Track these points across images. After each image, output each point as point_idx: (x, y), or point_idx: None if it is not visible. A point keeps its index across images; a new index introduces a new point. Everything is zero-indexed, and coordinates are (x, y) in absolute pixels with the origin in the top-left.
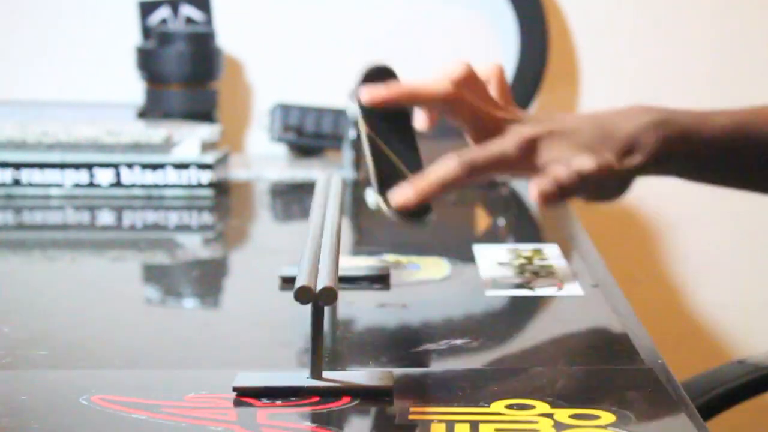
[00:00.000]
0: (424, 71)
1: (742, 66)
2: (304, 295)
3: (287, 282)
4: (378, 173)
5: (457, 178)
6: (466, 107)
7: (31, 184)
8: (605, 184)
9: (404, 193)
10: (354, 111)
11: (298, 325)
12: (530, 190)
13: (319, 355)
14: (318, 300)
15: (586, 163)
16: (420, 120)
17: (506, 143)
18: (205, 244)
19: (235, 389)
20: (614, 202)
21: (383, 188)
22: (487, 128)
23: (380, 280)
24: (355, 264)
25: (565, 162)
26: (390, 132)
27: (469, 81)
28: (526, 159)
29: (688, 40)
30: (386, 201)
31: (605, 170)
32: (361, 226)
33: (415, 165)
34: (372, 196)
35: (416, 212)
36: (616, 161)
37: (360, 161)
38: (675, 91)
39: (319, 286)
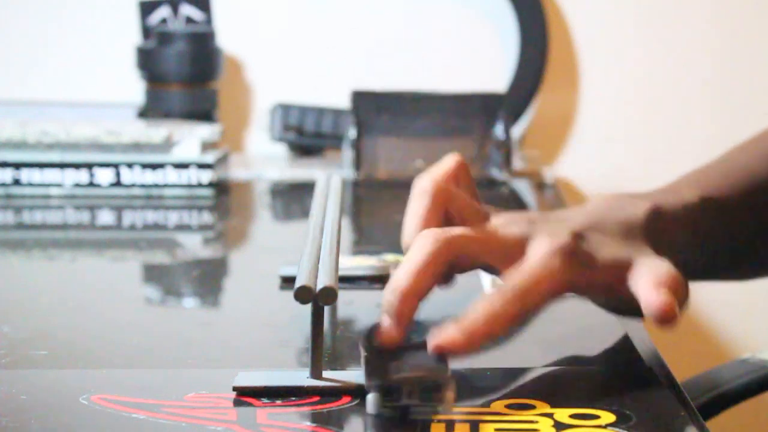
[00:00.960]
0: (425, 71)
1: (743, 67)
2: (304, 294)
3: (287, 281)
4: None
5: (500, 313)
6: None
7: (30, 184)
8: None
9: (450, 335)
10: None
11: (298, 324)
12: (649, 310)
13: (320, 354)
14: (318, 300)
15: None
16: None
17: (541, 252)
18: (205, 243)
19: (235, 389)
20: None
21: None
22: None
23: (380, 279)
24: (354, 264)
25: (657, 264)
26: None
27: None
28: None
29: (688, 40)
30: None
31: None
32: (361, 226)
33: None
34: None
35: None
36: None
37: (360, 161)
38: (675, 92)
39: (319, 286)
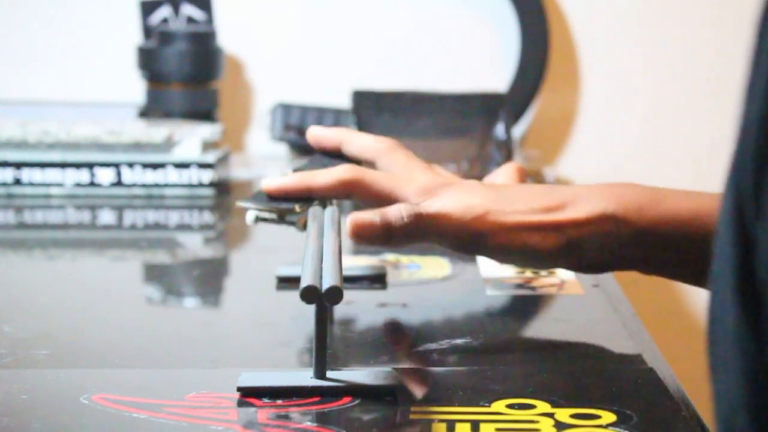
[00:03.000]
0: (425, 71)
1: (744, 67)
2: (310, 294)
3: (284, 282)
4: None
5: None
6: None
7: (31, 184)
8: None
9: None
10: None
11: (297, 324)
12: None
13: (324, 354)
14: (324, 299)
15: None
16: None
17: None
18: (206, 243)
19: (239, 389)
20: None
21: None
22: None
23: (378, 279)
24: (354, 264)
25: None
26: None
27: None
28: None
29: (689, 40)
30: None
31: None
32: None
33: None
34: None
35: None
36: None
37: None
38: (675, 92)
39: (325, 286)
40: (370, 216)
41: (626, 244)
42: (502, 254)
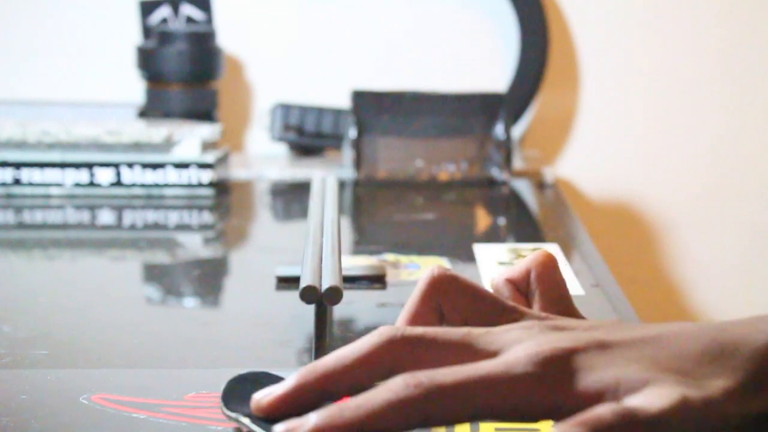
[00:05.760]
0: (425, 71)
1: (745, 67)
2: (310, 294)
3: (283, 281)
4: None
5: (407, 407)
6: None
7: (31, 184)
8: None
9: (334, 415)
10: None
11: (297, 324)
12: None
13: (323, 354)
14: (324, 300)
15: (656, 398)
16: None
17: (514, 355)
18: (206, 243)
19: None
20: None
21: None
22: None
23: (378, 279)
24: (353, 264)
25: (614, 392)
26: None
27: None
28: (543, 385)
29: (689, 40)
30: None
31: (696, 410)
32: (361, 226)
33: None
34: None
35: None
36: (724, 396)
37: (360, 161)
38: (676, 92)
39: (325, 286)
40: None
41: None
42: None
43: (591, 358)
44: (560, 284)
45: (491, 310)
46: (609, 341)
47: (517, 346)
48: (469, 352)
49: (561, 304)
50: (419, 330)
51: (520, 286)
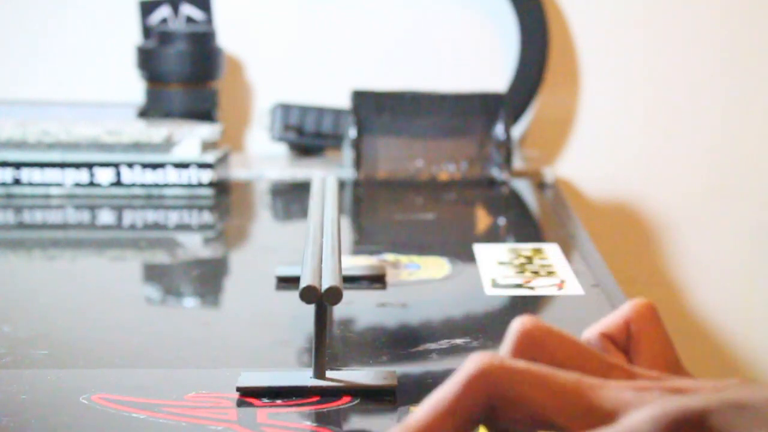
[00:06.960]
0: (425, 71)
1: (745, 67)
2: (309, 294)
3: (283, 281)
4: None
5: None
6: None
7: (31, 184)
8: None
9: None
10: None
11: (297, 324)
12: None
13: (323, 354)
14: (323, 300)
15: None
16: None
17: (637, 418)
18: (206, 243)
19: (238, 389)
20: None
21: None
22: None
23: (378, 279)
24: (353, 264)
25: None
26: None
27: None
28: None
29: (689, 40)
30: None
31: None
32: (361, 226)
33: None
34: None
35: None
36: None
37: (360, 161)
38: (676, 92)
39: (324, 286)
40: None
41: None
42: None
43: (728, 419)
44: (665, 339)
45: (596, 367)
46: (744, 401)
47: (638, 407)
48: (580, 403)
49: (668, 361)
50: (522, 364)
51: (618, 342)
